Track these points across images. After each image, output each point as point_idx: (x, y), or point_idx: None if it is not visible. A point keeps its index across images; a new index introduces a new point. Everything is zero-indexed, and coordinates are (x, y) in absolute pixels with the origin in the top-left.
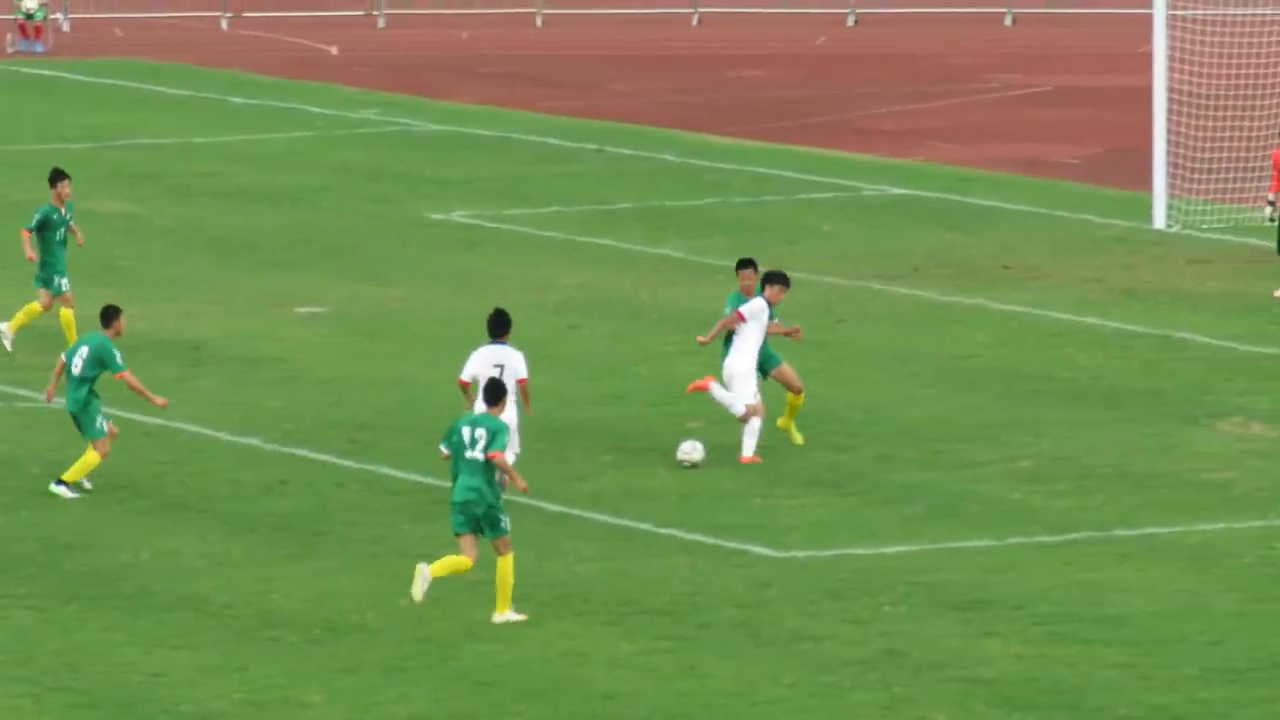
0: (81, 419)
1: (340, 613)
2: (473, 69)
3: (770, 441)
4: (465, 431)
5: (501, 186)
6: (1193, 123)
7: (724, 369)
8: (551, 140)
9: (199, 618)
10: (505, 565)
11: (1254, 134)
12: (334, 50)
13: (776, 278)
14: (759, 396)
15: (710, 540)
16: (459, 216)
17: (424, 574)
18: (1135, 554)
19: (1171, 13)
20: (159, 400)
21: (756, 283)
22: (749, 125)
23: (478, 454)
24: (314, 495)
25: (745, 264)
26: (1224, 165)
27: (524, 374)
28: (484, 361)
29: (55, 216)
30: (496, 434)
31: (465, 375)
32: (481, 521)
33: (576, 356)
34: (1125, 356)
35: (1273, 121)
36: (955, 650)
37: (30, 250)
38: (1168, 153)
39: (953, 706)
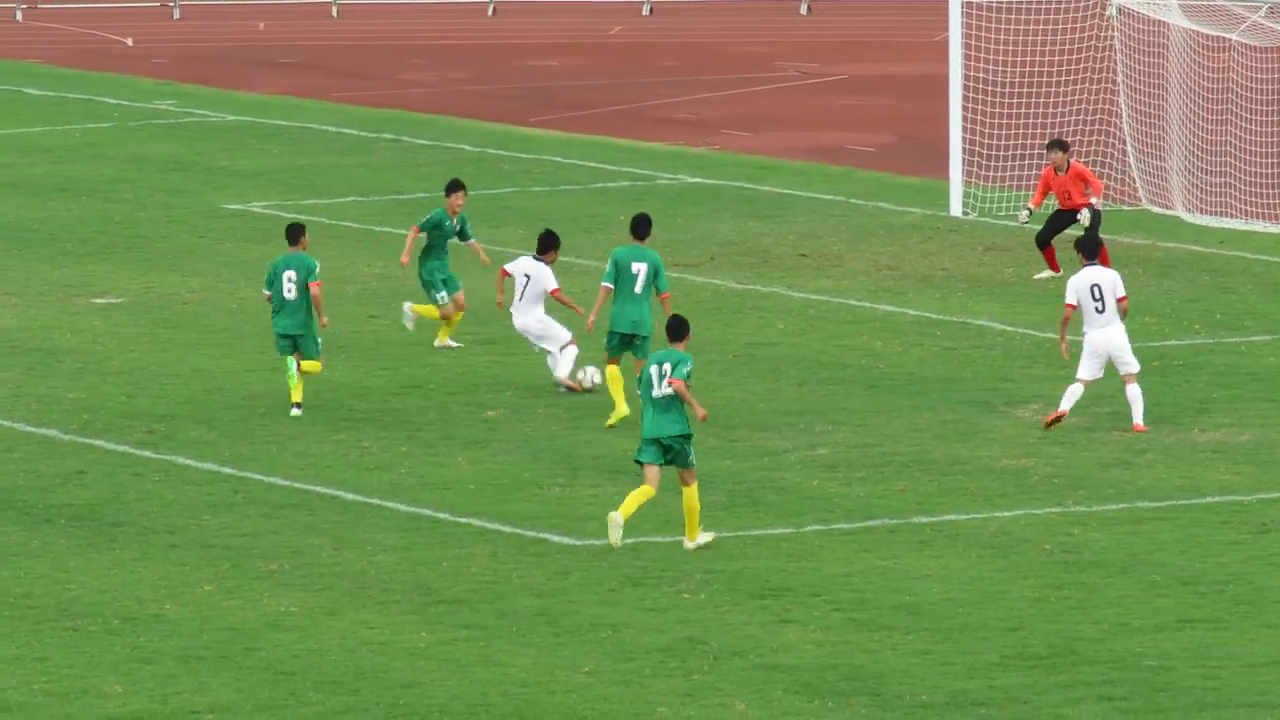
0: None
1: (139, 602)
2: (270, 59)
3: (568, 430)
4: (653, 370)
5: (299, 177)
6: (988, 110)
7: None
8: (348, 130)
9: None
10: (692, 494)
11: (1049, 121)
12: (129, 42)
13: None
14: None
15: (509, 529)
16: (256, 207)
17: (617, 521)
18: (934, 541)
19: (966, 0)
20: None
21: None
22: (545, 115)
23: (665, 389)
24: (112, 485)
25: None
26: (1019, 153)
27: (553, 285)
28: (518, 268)
29: (447, 224)
30: (677, 364)
31: (507, 267)
32: (674, 454)
33: (375, 346)
34: (923, 344)
35: (1067, 108)
36: (755, 637)
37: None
38: (964, 140)
39: (753, 693)
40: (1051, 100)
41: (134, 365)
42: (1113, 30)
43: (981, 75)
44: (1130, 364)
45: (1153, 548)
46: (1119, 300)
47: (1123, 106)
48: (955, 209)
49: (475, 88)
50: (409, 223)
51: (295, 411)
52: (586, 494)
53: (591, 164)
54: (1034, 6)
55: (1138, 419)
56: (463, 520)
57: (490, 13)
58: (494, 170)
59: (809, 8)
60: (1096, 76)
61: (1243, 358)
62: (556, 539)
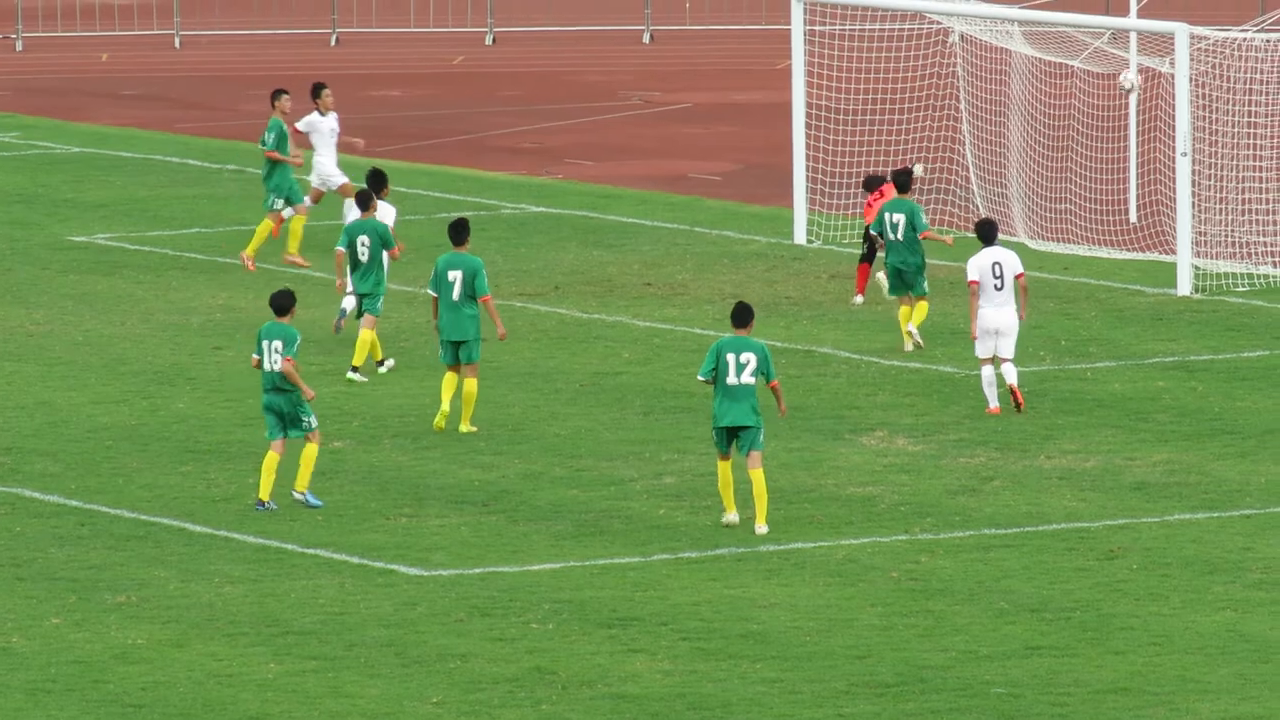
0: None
1: None
2: (113, 91)
3: (414, 460)
4: (730, 359)
5: (143, 208)
6: (831, 138)
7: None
8: (192, 161)
9: None
10: (760, 478)
11: (892, 149)
12: None
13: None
14: None
15: (357, 560)
16: (101, 239)
17: (730, 519)
18: (781, 569)
19: (809, 28)
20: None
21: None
22: (389, 144)
23: (747, 378)
24: None
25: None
26: (862, 180)
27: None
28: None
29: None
30: (766, 359)
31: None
32: (742, 441)
33: (220, 378)
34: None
35: (911, 135)
36: (603, 667)
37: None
38: (807, 168)
39: None
40: (895, 128)
41: None
42: (955, 57)
43: (824, 103)
44: (1011, 349)
45: (1000, 575)
46: (1017, 277)
47: (965, 134)
48: (799, 237)
49: None
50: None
51: (389, 363)
52: (433, 524)
53: (435, 194)
54: (876, 34)
55: (1011, 379)
56: (310, 551)
57: (333, 43)
58: (337, 200)
59: (651, 36)
60: (939, 104)
61: (1088, 384)
62: (404, 570)
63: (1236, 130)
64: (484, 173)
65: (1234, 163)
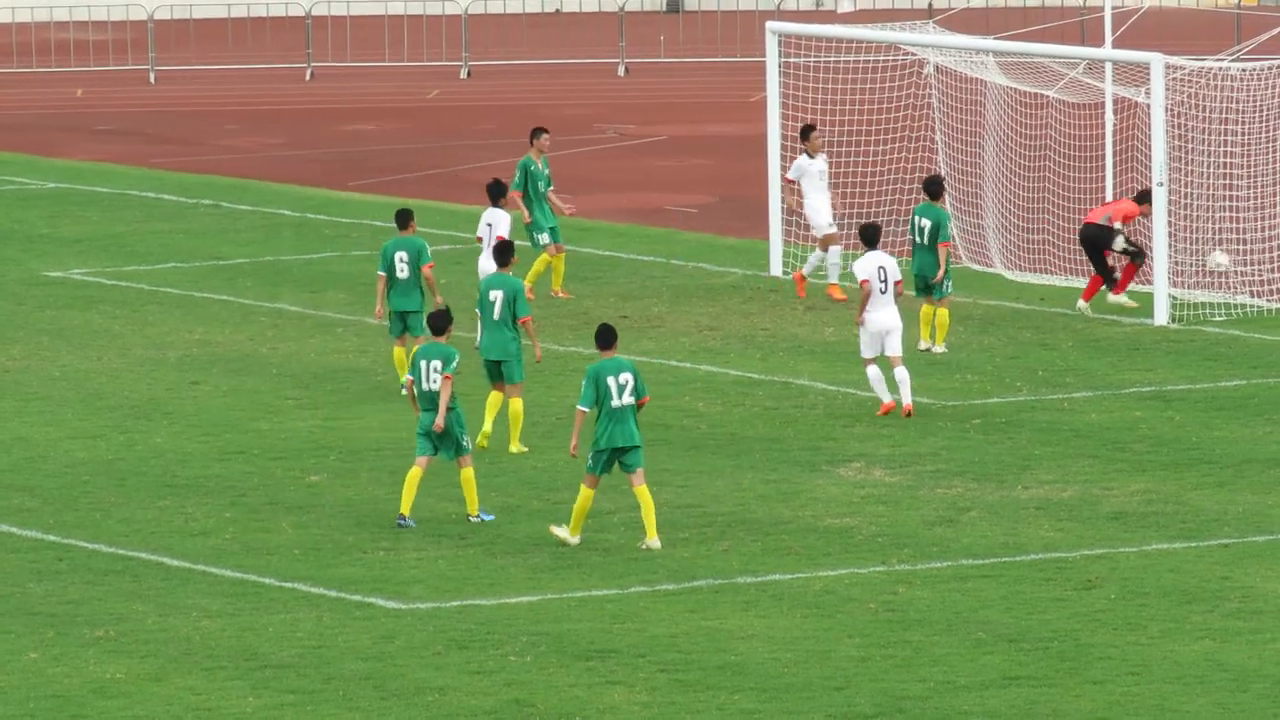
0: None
1: None
2: (87, 126)
3: (391, 494)
4: (611, 382)
5: (118, 243)
6: None
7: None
8: (167, 196)
9: None
10: (647, 494)
11: (866, 179)
12: None
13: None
14: None
15: (334, 594)
16: (76, 274)
17: (573, 542)
18: (758, 601)
19: (784, 60)
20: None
21: None
22: (365, 179)
23: (628, 399)
24: None
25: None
26: (839, 212)
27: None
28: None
29: (533, 168)
30: (638, 375)
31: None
32: (628, 461)
33: (197, 412)
34: (745, 404)
35: (886, 167)
36: (581, 699)
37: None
38: (782, 200)
39: None
40: (871, 159)
41: None
42: (930, 88)
43: (798, 135)
44: (899, 347)
45: (977, 605)
46: (896, 284)
47: (941, 164)
48: (775, 269)
49: (294, 152)
50: (230, 288)
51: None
52: (411, 557)
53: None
54: (851, 66)
55: (906, 399)
56: (288, 585)
57: (308, 77)
58: (314, 235)
59: (626, 69)
60: (915, 134)
61: (1064, 414)
62: (382, 603)
63: (1211, 160)
64: (459, 206)
65: (1209, 192)
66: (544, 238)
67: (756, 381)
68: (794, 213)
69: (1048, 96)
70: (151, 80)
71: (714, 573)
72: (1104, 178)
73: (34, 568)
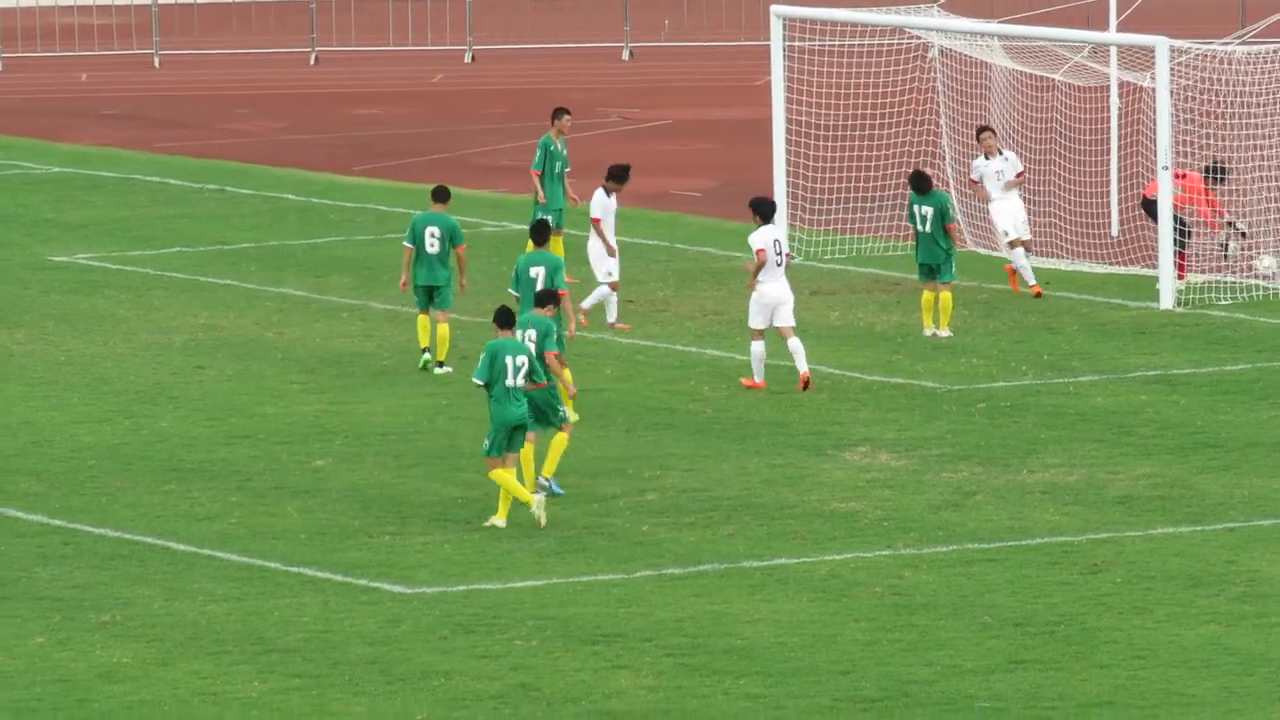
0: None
1: None
2: (93, 111)
3: (396, 478)
4: (509, 361)
5: (123, 228)
6: (812, 154)
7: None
8: (172, 181)
9: None
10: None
11: (872, 164)
12: None
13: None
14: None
15: (340, 578)
16: (81, 259)
17: (500, 524)
18: (764, 585)
19: (789, 44)
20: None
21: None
22: (369, 163)
23: (521, 380)
24: None
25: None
26: (843, 196)
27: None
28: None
29: (553, 148)
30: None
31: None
32: (518, 439)
33: (202, 397)
34: (751, 388)
35: (891, 151)
36: (587, 684)
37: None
38: (788, 184)
39: None
40: (875, 143)
41: None
42: (935, 72)
43: (804, 119)
44: (790, 318)
45: (983, 589)
46: (787, 255)
47: (946, 149)
48: None
49: (298, 137)
50: (235, 272)
51: (426, 356)
52: (417, 542)
53: (415, 212)
54: (856, 49)
55: (803, 368)
56: (294, 570)
57: (312, 62)
58: (319, 219)
59: (631, 53)
60: (920, 118)
61: (1070, 398)
62: (388, 587)
63: (1217, 143)
64: (464, 190)
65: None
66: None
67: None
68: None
69: (1053, 80)
70: (156, 65)
71: (720, 557)
72: (1109, 162)
73: (40, 552)
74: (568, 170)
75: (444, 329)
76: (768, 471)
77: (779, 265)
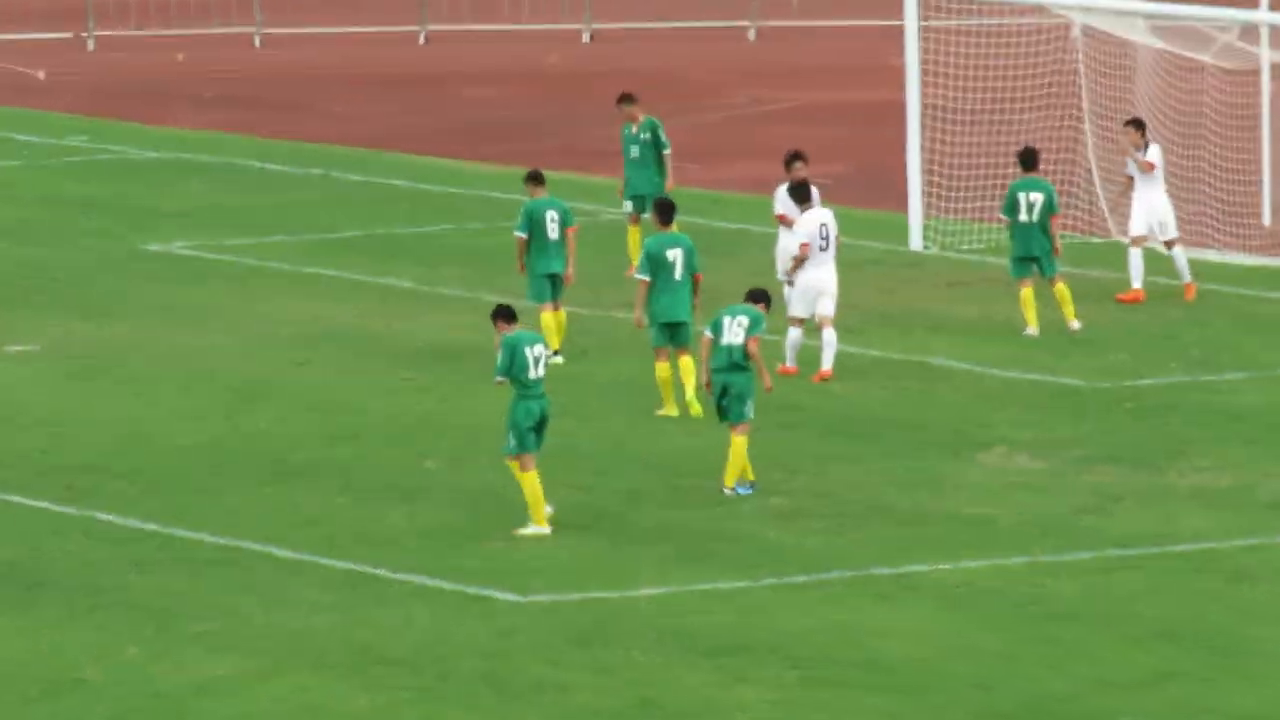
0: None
1: (60, 669)
2: (190, 92)
3: (510, 481)
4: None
5: (223, 216)
6: (948, 138)
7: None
8: (274, 166)
9: None
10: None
11: (1011, 148)
12: (41, 74)
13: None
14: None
15: (450, 586)
16: (179, 248)
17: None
18: (895, 594)
19: (923, 23)
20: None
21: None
22: (481, 148)
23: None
24: (29, 545)
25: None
26: (981, 182)
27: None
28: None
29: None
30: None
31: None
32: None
33: (306, 393)
34: (883, 386)
35: (1030, 135)
36: (709, 698)
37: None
38: (923, 170)
39: None
40: (1014, 127)
41: (51, 416)
42: (1077, 52)
43: (940, 102)
44: (831, 309)
45: (1128, 598)
46: (837, 239)
47: (1088, 133)
48: (915, 243)
49: (407, 120)
50: (340, 262)
51: (557, 359)
52: (531, 548)
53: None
54: (994, 29)
55: (827, 364)
56: (401, 577)
57: (422, 41)
58: (428, 207)
59: (757, 33)
60: (1061, 102)
61: (1220, 396)
62: (501, 596)
63: None
64: (582, 176)
65: None
66: (629, 205)
67: (896, 362)
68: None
69: (1203, 62)
70: (257, 44)
71: (849, 564)
72: (1260, 148)
73: (134, 558)
74: (666, 152)
75: (562, 315)
76: (901, 474)
77: (823, 250)
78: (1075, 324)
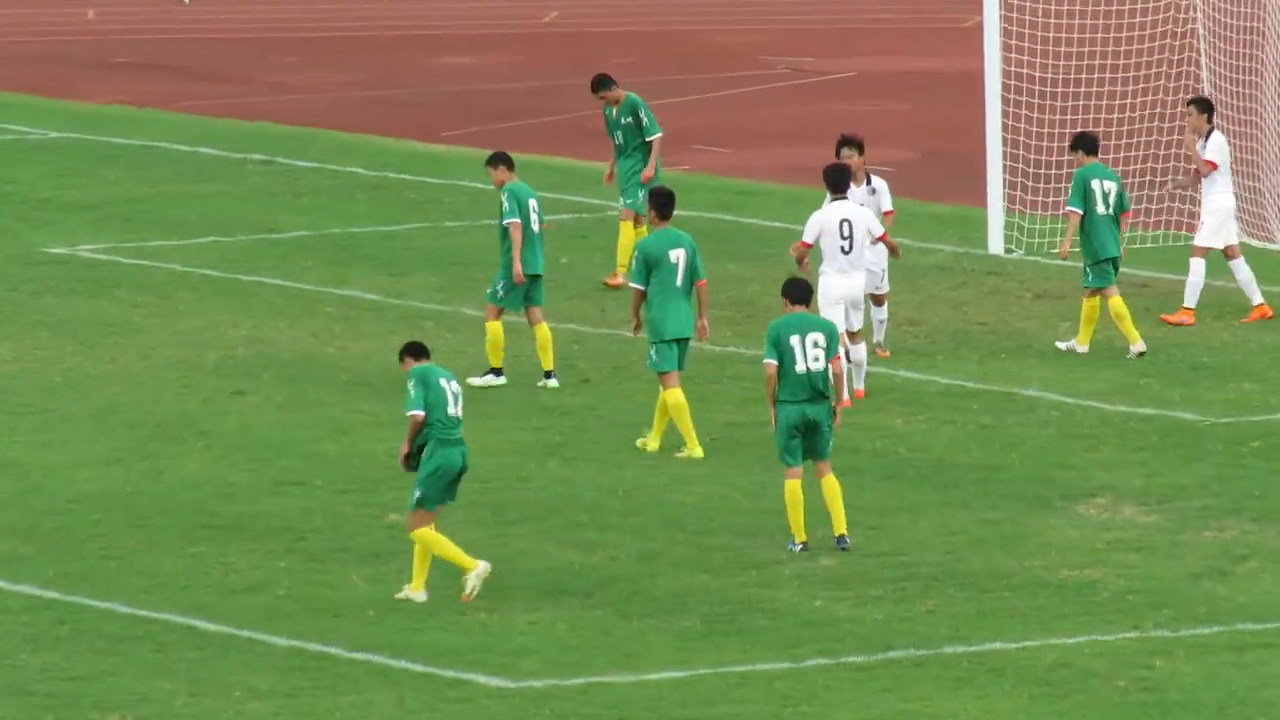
0: None
1: None
2: (103, 58)
3: (494, 538)
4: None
5: (142, 211)
6: (1035, 116)
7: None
8: (205, 150)
9: None
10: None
11: (1113, 130)
12: None
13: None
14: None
15: (420, 667)
16: (86, 251)
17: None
18: (973, 676)
19: None
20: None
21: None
22: (460, 128)
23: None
24: None
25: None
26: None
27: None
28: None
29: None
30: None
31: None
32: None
33: (243, 431)
34: (956, 420)
35: (1136, 114)
36: None
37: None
38: (1004, 157)
39: None
40: (1115, 102)
41: None
42: (1194, 13)
43: (1026, 72)
44: (859, 322)
45: (1258, 683)
46: (882, 237)
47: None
48: (995, 245)
49: (369, 93)
50: (285, 269)
51: (553, 383)
52: (522, 620)
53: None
54: None
55: (857, 383)
56: (359, 656)
57: None
58: (395, 199)
59: None
60: (1173, 73)
61: None
62: (483, 680)
63: None
64: (583, 162)
65: None
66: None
67: (971, 392)
68: (1183, 189)
69: None
70: (185, 0)
71: (915, 641)
72: None
73: (29, 633)
74: (650, 138)
75: (546, 330)
76: (977, 530)
77: (846, 253)
78: (1082, 348)
